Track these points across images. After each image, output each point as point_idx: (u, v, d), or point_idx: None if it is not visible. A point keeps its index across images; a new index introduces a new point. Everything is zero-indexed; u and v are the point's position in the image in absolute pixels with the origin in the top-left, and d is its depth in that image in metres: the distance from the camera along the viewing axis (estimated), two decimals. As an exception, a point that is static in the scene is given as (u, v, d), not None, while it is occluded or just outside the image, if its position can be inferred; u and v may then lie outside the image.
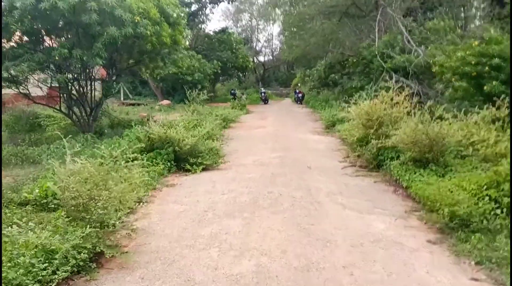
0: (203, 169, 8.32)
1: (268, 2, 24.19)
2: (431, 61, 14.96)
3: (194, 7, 29.08)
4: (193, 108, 12.13)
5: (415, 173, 7.14)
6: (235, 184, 7.28)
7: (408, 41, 16.63)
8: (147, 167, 7.78)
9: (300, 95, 29.63)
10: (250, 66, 38.61)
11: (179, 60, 12.79)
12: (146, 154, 8.27)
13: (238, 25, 53.48)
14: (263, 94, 30.58)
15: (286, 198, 6.36)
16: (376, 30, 17.93)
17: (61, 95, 11.66)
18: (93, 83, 11.81)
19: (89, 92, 11.97)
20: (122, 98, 32.18)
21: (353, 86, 18.36)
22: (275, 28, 59.94)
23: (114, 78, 12.46)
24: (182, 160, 8.38)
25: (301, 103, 28.98)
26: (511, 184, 5.08)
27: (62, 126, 13.03)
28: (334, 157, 10.25)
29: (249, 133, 14.37)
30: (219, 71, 27.70)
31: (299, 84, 36.24)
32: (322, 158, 10.08)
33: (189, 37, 29.22)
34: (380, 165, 8.60)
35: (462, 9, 19.87)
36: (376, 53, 16.82)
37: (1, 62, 9.01)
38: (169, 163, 8.14)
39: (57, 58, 9.12)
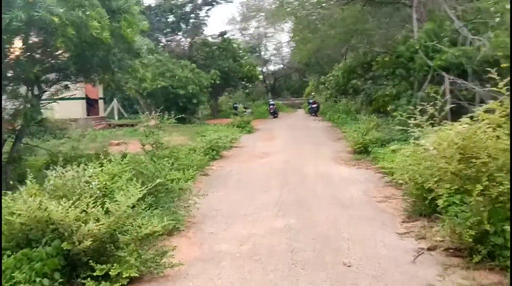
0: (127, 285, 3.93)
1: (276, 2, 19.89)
2: (498, 54, 10.59)
3: (189, 7, 25.00)
4: (153, 140, 7.52)
5: None
6: None
7: (461, 28, 12.14)
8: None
9: (314, 105, 25.44)
10: (257, 75, 34.33)
11: (137, 68, 8.49)
12: (8, 256, 3.97)
13: (245, 33, 49.61)
14: (271, 106, 26.32)
15: None
16: (414, 17, 13.44)
17: None
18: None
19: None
20: (116, 118, 28.38)
21: (386, 93, 13.87)
22: (284, 36, 55.63)
23: (41, 96, 8.25)
24: (82, 266, 4.02)
25: (316, 115, 24.79)
26: (511, 183, 3.83)
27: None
28: (385, 220, 5.82)
29: (246, 168, 9.98)
30: (218, 82, 23.36)
31: (312, 93, 32.08)
32: (365, 224, 5.65)
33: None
34: (495, 253, 4.16)
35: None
36: (417, 47, 12.38)
37: (1, 62, 6.41)
38: (46, 280, 3.77)
39: None
